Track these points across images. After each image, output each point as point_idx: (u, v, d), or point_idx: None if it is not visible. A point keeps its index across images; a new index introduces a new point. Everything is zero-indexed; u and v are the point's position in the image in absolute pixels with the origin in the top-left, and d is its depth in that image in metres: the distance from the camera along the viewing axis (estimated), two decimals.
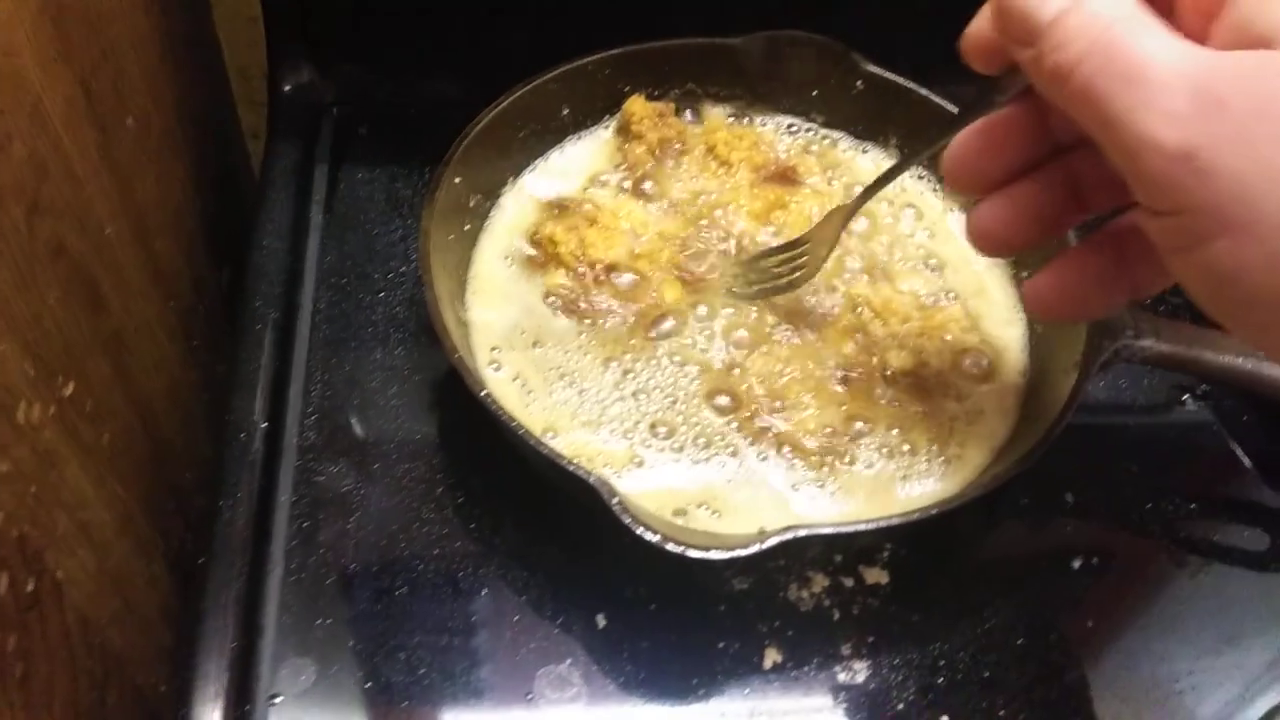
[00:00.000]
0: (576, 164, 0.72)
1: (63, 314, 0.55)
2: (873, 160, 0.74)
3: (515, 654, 0.55)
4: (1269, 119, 0.34)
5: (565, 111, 0.72)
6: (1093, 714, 0.56)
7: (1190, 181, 0.35)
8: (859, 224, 0.70)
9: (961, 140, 0.48)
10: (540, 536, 0.59)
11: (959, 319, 0.65)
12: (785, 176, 0.72)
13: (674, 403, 0.61)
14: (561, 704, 0.53)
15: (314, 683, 0.53)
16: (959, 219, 0.71)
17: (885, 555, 0.59)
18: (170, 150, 0.75)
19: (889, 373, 0.63)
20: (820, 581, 0.58)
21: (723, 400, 0.61)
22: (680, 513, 0.57)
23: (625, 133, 0.72)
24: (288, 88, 0.81)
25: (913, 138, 0.71)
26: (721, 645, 0.56)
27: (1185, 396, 0.70)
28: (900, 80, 0.71)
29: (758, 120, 0.76)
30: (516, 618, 0.56)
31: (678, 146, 0.72)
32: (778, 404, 0.61)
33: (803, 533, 0.50)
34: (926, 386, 0.62)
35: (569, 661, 0.55)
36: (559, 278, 0.65)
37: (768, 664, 0.55)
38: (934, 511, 0.53)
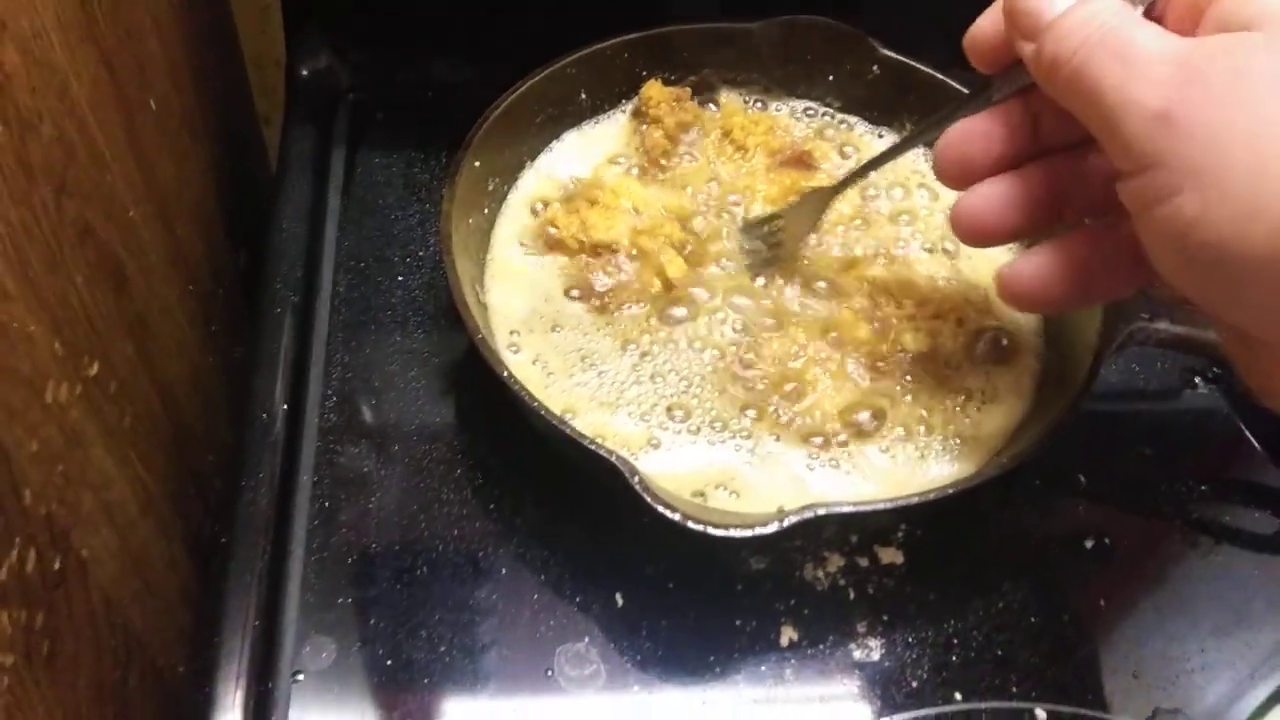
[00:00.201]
0: (592, 148, 0.72)
1: (89, 295, 0.56)
2: (886, 143, 0.74)
3: (535, 632, 0.55)
4: (1242, 83, 0.37)
5: (582, 96, 0.72)
6: (1105, 692, 0.56)
7: (1169, 138, 0.38)
8: (879, 204, 0.71)
9: (955, 132, 0.50)
10: (559, 517, 0.60)
11: (974, 301, 0.66)
12: (801, 161, 0.72)
13: (690, 385, 0.61)
14: (581, 681, 0.54)
15: (335, 661, 0.54)
16: None
17: (900, 535, 0.60)
18: (190, 134, 0.75)
19: (904, 354, 0.63)
20: (836, 561, 0.59)
21: (739, 382, 0.61)
22: (698, 494, 0.57)
23: (642, 117, 0.72)
24: (305, 73, 0.81)
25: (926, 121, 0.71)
26: (739, 624, 0.56)
27: (1196, 380, 0.70)
28: (916, 65, 0.71)
29: (773, 105, 0.76)
30: (536, 596, 0.57)
31: (694, 131, 0.73)
32: (793, 386, 0.61)
33: (821, 511, 0.50)
34: (942, 368, 0.63)
35: (588, 640, 0.55)
36: (564, 260, 0.66)
37: (784, 642, 0.56)
38: (950, 492, 0.54)
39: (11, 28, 0.47)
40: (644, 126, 0.72)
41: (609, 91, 0.73)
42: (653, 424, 0.60)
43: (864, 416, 0.61)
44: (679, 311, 0.64)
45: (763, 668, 0.55)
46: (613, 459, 0.51)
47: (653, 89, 0.73)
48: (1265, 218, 0.36)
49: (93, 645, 0.57)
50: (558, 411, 0.56)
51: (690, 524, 0.49)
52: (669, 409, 0.60)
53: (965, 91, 0.66)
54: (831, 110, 0.76)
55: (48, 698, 0.52)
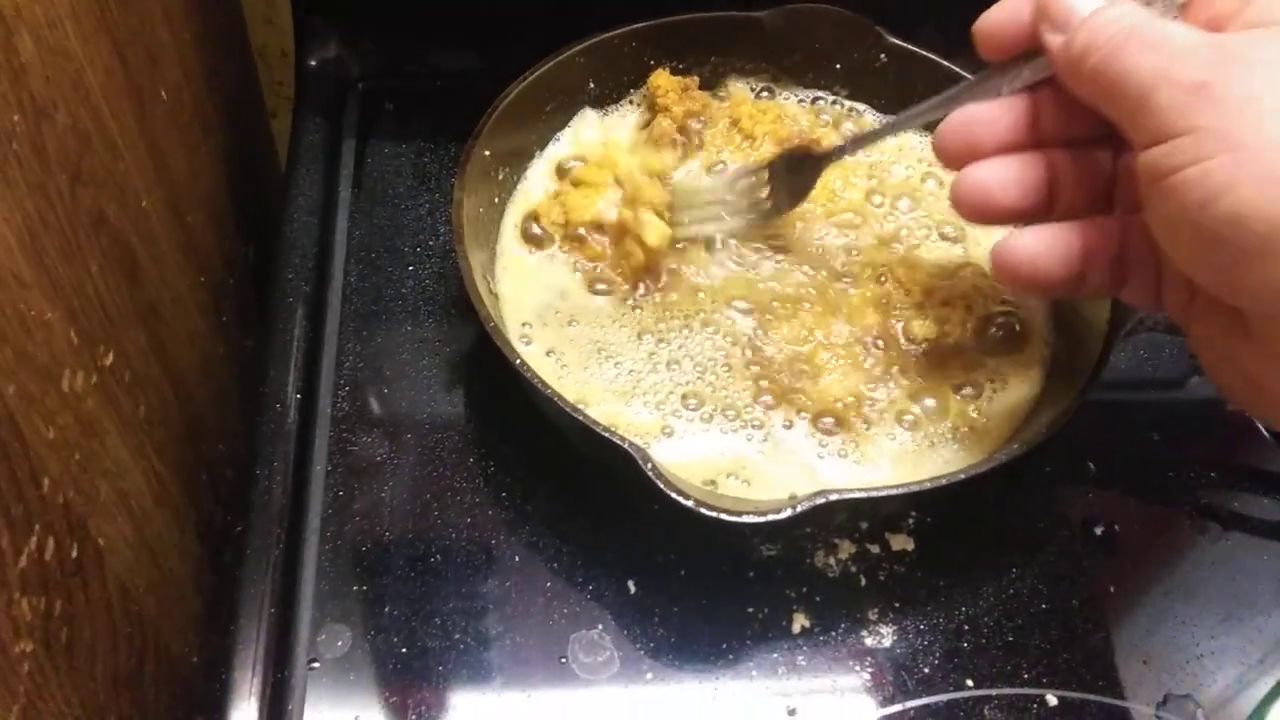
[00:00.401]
0: (601, 137, 0.72)
1: (103, 284, 0.56)
2: (896, 134, 0.75)
3: (548, 619, 0.56)
4: (1277, 69, 0.39)
5: (591, 85, 0.72)
6: (1114, 677, 0.56)
7: (1202, 106, 0.39)
8: (887, 192, 0.71)
9: (961, 115, 0.51)
10: (572, 504, 0.60)
11: (983, 289, 0.66)
12: (809, 150, 0.72)
13: (704, 372, 0.61)
14: (594, 668, 0.54)
15: (350, 648, 0.54)
16: None
17: (911, 522, 0.60)
18: (200, 124, 0.75)
19: (913, 341, 0.63)
20: (847, 548, 0.59)
21: (751, 370, 0.62)
22: (709, 482, 0.58)
23: (650, 106, 0.73)
24: (314, 63, 0.81)
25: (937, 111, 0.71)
26: (751, 610, 0.57)
27: None
28: (923, 53, 0.71)
29: (781, 93, 0.76)
30: (549, 584, 0.57)
31: (702, 120, 0.73)
32: (804, 371, 0.61)
33: (834, 497, 0.50)
34: (951, 355, 0.63)
35: (601, 627, 0.55)
36: (565, 248, 0.66)
37: (796, 629, 0.56)
38: (961, 478, 0.54)
39: (26, 16, 0.47)
40: (652, 116, 0.72)
41: (617, 81, 0.73)
42: (667, 412, 0.60)
43: (873, 403, 0.61)
44: (671, 296, 0.64)
45: (775, 654, 0.56)
46: (625, 446, 0.51)
47: (661, 78, 0.73)
48: None
49: (109, 633, 0.57)
50: (571, 401, 0.56)
51: (703, 510, 0.49)
52: (684, 397, 0.60)
53: (971, 78, 0.66)
54: (839, 99, 0.76)
55: (65, 685, 0.52)
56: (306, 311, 0.67)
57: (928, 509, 0.60)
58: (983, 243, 0.69)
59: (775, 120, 0.74)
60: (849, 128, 0.74)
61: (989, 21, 0.50)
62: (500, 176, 0.67)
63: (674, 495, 0.49)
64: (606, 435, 0.52)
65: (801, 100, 0.76)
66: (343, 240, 0.71)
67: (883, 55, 0.73)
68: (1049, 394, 0.62)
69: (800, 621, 0.56)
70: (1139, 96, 0.41)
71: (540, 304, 0.64)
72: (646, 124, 0.73)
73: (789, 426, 0.60)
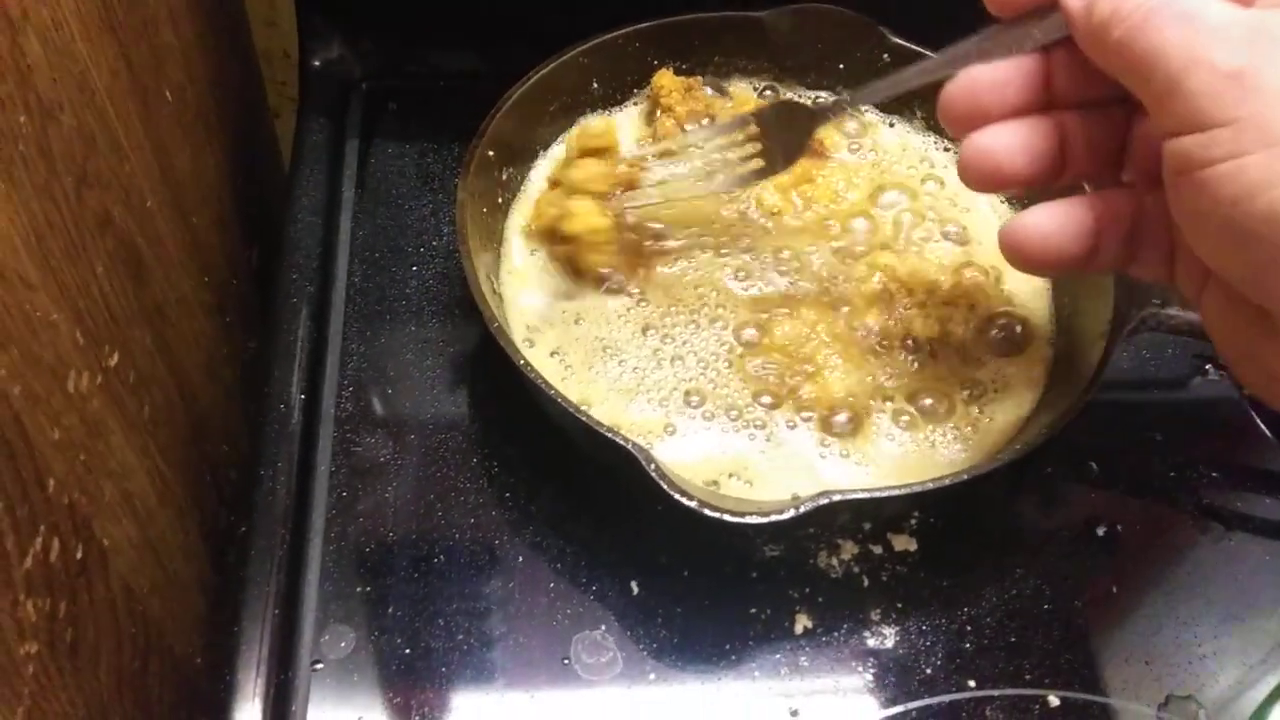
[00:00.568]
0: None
1: (109, 285, 0.56)
2: (899, 134, 0.75)
3: (551, 620, 0.56)
4: None
5: (594, 85, 0.73)
6: (1117, 678, 0.56)
7: (1239, 96, 0.37)
8: (891, 191, 0.71)
9: (967, 77, 0.48)
10: (575, 505, 0.60)
11: (985, 288, 0.66)
12: (813, 150, 0.72)
13: (706, 369, 0.62)
14: (597, 669, 0.54)
15: (354, 649, 0.54)
16: (985, 193, 0.72)
17: (913, 523, 0.60)
18: (204, 125, 0.75)
19: (916, 341, 0.63)
20: (850, 549, 0.59)
21: (754, 368, 0.62)
22: (711, 483, 0.58)
23: (654, 106, 0.73)
24: (317, 63, 0.81)
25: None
26: (753, 611, 0.57)
27: (1207, 367, 0.70)
28: (926, 52, 0.71)
29: (785, 93, 0.76)
30: (552, 585, 0.57)
31: (706, 120, 0.73)
32: (806, 370, 0.62)
33: (836, 498, 0.50)
34: (954, 355, 0.63)
35: (604, 627, 0.56)
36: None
37: (799, 629, 0.56)
38: (964, 478, 0.54)
39: (33, 17, 0.48)
40: (656, 116, 0.72)
41: (621, 81, 0.74)
42: (670, 410, 0.60)
43: (875, 403, 0.61)
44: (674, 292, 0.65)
45: (777, 655, 0.56)
46: (629, 446, 0.51)
47: (664, 78, 0.73)
48: None
49: (113, 634, 0.57)
50: (574, 401, 0.56)
51: (706, 511, 0.49)
52: (686, 394, 0.60)
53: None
54: (843, 99, 0.76)
55: (70, 686, 0.52)
56: (310, 312, 0.67)
57: (930, 509, 0.60)
58: (985, 243, 0.69)
59: None
60: (852, 126, 0.75)
61: None
62: (504, 177, 0.68)
63: (677, 496, 0.49)
64: (610, 436, 0.52)
65: (805, 101, 0.76)
66: (346, 241, 0.71)
67: (885, 55, 0.73)
68: (1051, 394, 0.62)
69: (803, 622, 0.56)
70: (1169, 79, 0.39)
71: (545, 304, 0.64)
72: (649, 122, 0.73)
73: (791, 426, 0.60)
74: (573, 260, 0.64)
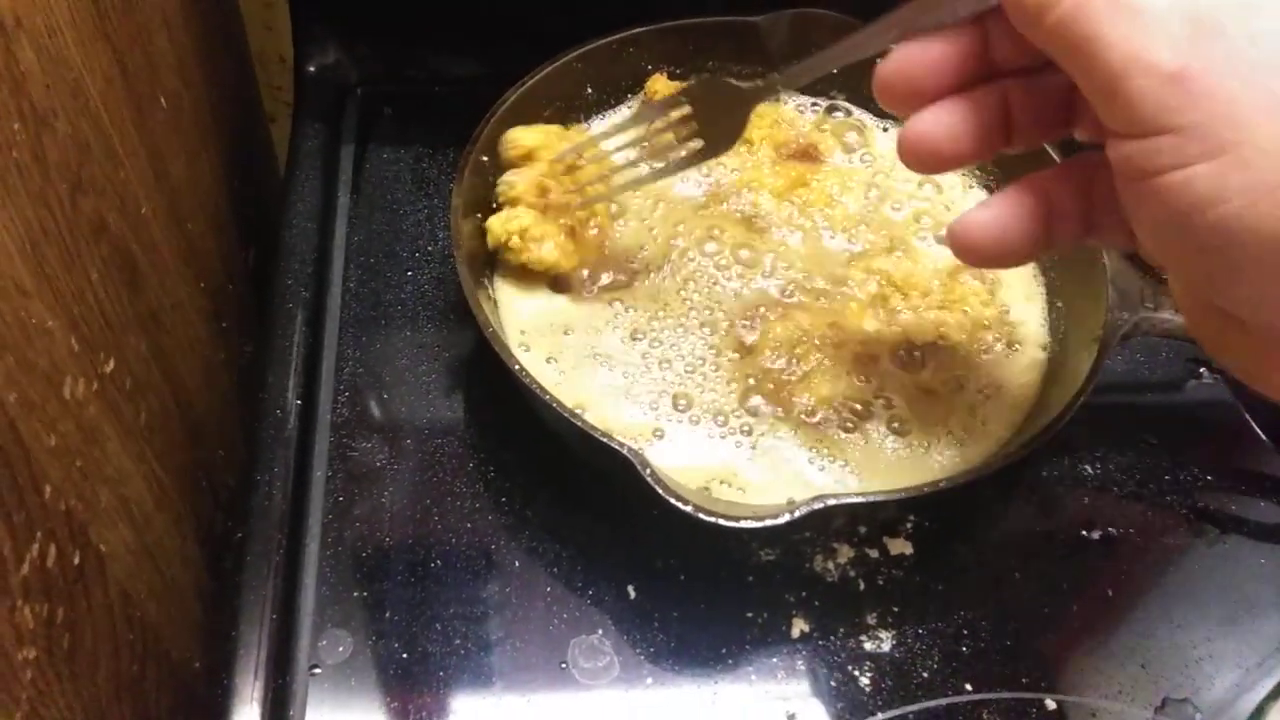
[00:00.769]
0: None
1: (104, 292, 0.56)
2: (893, 137, 0.75)
3: (548, 625, 0.56)
4: (1265, 45, 0.35)
5: (589, 90, 0.73)
6: (1112, 681, 0.56)
7: (1182, 102, 0.35)
8: (884, 196, 0.71)
9: (900, 54, 0.46)
10: (571, 509, 0.60)
11: (979, 293, 0.66)
12: (807, 154, 0.73)
13: (693, 373, 0.62)
14: (595, 673, 0.54)
15: (351, 654, 0.54)
16: (979, 196, 0.72)
17: (909, 527, 0.60)
18: (199, 130, 0.75)
19: (910, 345, 0.63)
20: (846, 553, 0.59)
21: (745, 372, 0.62)
22: (705, 488, 0.58)
23: (648, 109, 0.73)
24: (313, 69, 0.82)
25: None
26: (750, 615, 0.57)
27: (1200, 370, 0.71)
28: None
29: (779, 98, 0.76)
30: (549, 589, 0.57)
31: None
32: (799, 374, 0.62)
33: (831, 502, 0.51)
34: (948, 360, 0.63)
35: (601, 632, 0.56)
36: None
37: (795, 633, 0.56)
38: (959, 482, 0.54)
39: (26, 25, 0.48)
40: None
41: (615, 86, 0.74)
42: (660, 414, 0.60)
43: (868, 406, 0.61)
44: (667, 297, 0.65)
45: (774, 659, 0.56)
46: (624, 451, 0.51)
47: (658, 83, 0.73)
48: None
49: (111, 639, 0.57)
50: (569, 406, 0.56)
51: (701, 515, 0.49)
52: (674, 398, 0.61)
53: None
54: (836, 103, 0.76)
55: (68, 691, 0.52)
56: (306, 317, 0.67)
57: (926, 513, 0.60)
58: None
59: (772, 125, 0.74)
60: (855, 139, 0.75)
61: None
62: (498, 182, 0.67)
63: (672, 500, 0.50)
64: (605, 440, 0.52)
65: (799, 105, 0.77)
66: (341, 246, 0.72)
67: (879, 60, 0.73)
68: (1046, 398, 0.62)
69: (799, 626, 0.57)
70: (1109, 78, 0.37)
71: (537, 310, 0.64)
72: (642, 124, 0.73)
73: (784, 433, 0.60)
74: (525, 269, 0.64)
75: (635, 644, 0.55)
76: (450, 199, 0.62)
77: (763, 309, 0.64)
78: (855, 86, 0.75)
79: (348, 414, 0.63)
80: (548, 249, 0.63)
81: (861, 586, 0.59)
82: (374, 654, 0.54)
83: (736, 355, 0.62)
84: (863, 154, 0.74)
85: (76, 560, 0.52)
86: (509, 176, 0.64)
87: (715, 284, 0.66)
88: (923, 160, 0.47)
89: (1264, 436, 0.68)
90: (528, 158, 0.65)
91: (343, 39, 0.82)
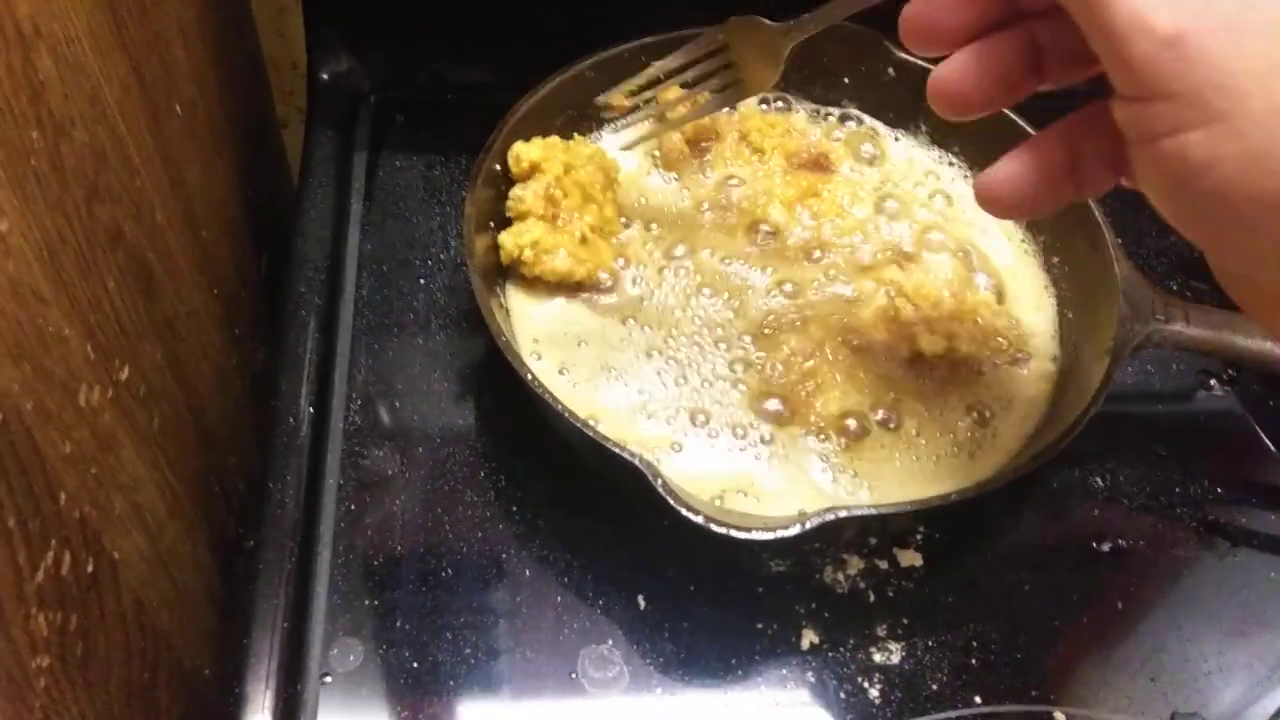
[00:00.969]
0: (613, 152, 0.73)
1: (120, 299, 0.56)
2: (905, 147, 0.75)
3: (558, 634, 0.56)
4: (1257, 10, 0.35)
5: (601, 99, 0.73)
6: (1122, 694, 0.57)
7: (1177, 67, 0.35)
8: (897, 207, 0.71)
9: (920, 2, 0.46)
10: (582, 519, 0.60)
11: (990, 304, 0.66)
12: (818, 164, 0.73)
13: (711, 389, 0.62)
14: (604, 683, 0.54)
15: (363, 662, 0.54)
16: None
17: (919, 538, 0.60)
18: (214, 138, 0.76)
19: (921, 356, 0.63)
20: (856, 564, 0.59)
21: (759, 386, 0.62)
22: (718, 498, 0.58)
23: (661, 121, 0.73)
24: (326, 76, 0.82)
25: (944, 124, 0.71)
26: (760, 626, 0.57)
27: (1212, 382, 0.71)
28: (931, 66, 0.71)
29: (790, 107, 0.77)
30: (559, 599, 0.57)
31: (712, 135, 0.73)
32: (812, 386, 0.62)
33: (842, 514, 0.51)
34: (959, 371, 0.63)
35: (611, 642, 0.56)
36: None
37: (805, 645, 0.57)
38: (969, 495, 0.54)
39: (45, 34, 0.48)
40: (663, 131, 0.72)
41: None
42: (676, 428, 0.60)
43: (880, 419, 0.61)
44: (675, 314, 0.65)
45: (784, 670, 0.56)
46: (636, 462, 0.51)
47: (670, 92, 0.73)
48: (1278, 164, 0.34)
49: (123, 647, 0.58)
50: (582, 417, 0.56)
51: (713, 526, 0.50)
52: (692, 413, 0.61)
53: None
54: (848, 111, 0.77)
55: (81, 699, 0.52)
56: (319, 325, 0.67)
57: (936, 525, 0.60)
58: (992, 259, 0.69)
59: (784, 134, 0.74)
60: (867, 149, 0.75)
61: None
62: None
63: (684, 511, 0.50)
64: (617, 451, 0.52)
65: (811, 114, 0.77)
66: (354, 253, 0.72)
67: (890, 69, 0.73)
68: (1056, 409, 0.62)
69: (809, 637, 0.57)
70: (1111, 37, 0.37)
71: (551, 320, 0.64)
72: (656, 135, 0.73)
73: (797, 444, 0.60)
74: (541, 280, 0.65)
75: (645, 654, 0.56)
76: (463, 207, 0.63)
77: (776, 321, 0.65)
78: (867, 95, 0.76)
79: (360, 422, 0.63)
80: (560, 259, 0.63)
81: (871, 598, 0.59)
82: (385, 662, 0.54)
83: (750, 368, 0.63)
84: (874, 163, 0.74)
85: (90, 568, 0.53)
86: (517, 190, 0.65)
87: (727, 296, 0.66)
88: (952, 105, 0.47)
89: (1274, 448, 0.68)
90: (534, 170, 0.65)
91: (355, 47, 0.82)
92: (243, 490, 0.78)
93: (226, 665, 0.55)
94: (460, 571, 0.58)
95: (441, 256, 0.72)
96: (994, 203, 0.48)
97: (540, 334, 0.64)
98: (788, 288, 0.66)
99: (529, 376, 0.55)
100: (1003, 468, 0.60)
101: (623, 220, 0.69)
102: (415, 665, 0.54)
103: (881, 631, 0.57)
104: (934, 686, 0.56)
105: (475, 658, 0.55)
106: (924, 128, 0.75)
